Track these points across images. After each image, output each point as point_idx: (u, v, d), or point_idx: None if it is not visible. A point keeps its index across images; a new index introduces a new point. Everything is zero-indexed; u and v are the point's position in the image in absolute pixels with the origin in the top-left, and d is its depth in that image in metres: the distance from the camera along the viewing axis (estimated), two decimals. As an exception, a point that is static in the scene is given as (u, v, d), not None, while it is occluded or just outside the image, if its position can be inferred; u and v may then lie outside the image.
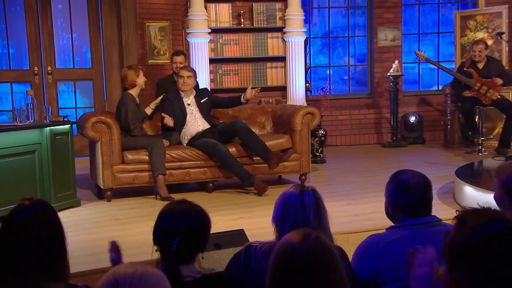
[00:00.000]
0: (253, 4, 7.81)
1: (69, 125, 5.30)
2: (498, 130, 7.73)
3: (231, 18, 7.80)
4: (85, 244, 4.25)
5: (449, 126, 8.37)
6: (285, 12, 7.71)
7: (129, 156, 5.53)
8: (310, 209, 2.41)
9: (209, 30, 7.50)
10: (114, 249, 2.57)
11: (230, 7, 7.79)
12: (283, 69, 7.73)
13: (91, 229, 4.70)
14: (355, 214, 4.94)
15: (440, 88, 8.97)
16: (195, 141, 5.79)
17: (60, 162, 5.16)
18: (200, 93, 6.13)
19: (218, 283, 2.42)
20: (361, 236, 3.14)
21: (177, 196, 5.48)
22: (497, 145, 7.40)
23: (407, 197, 2.53)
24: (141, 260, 3.93)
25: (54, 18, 7.85)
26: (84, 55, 8.16)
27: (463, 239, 1.61)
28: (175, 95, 6.00)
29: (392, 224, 2.68)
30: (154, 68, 8.29)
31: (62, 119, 5.32)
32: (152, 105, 6.05)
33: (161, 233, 2.34)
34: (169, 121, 5.76)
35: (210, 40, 7.54)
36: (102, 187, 5.56)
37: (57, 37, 7.92)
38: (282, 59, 7.74)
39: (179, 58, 6.59)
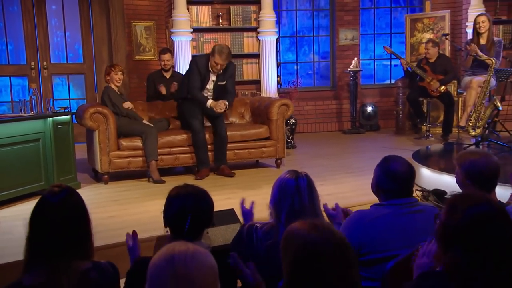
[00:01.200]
0: (231, 7, 7.76)
1: (70, 116, 5.19)
2: (443, 118, 7.85)
3: (211, 19, 7.74)
4: (92, 223, 4.18)
5: (400, 115, 8.47)
6: (259, 14, 7.69)
7: (124, 143, 5.44)
8: (305, 193, 2.41)
9: (191, 30, 7.43)
10: (134, 238, 2.58)
11: (210, 9, 7.72)
12: (258, 64, 7.72)
13: (92, 209, 4.44)
14: (328, 194, 4.80)
15: (393, 81, 9.07)
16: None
17: (62, 149, 5.06)
18: (224, 72, 5.64)
19: (224, 255, 2.38)
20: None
21: (167, 179, 5.49)
22: (441, 131, 7.54)
23: (392, 183, 2.52)
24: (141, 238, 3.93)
25: (49, 17, 7.63)
26: (76, 51, 7.97)
27: (455, 222, 1.62)
28: (206, 67, 5.58)
29: (375, 197, 2.71)
30: (140, 63, 8.19)
31: (63, 110, 5.20)
32: None
33: (172, 215, 2.31)
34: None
35: (192, 38, 7.47)
36: (99, 171, 5.46)
37: (52, 35, 7.71)
38: (257, 56, 7.73)
39: (166, 56, 6.51)
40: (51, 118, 4.93)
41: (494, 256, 1.56)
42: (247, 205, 2.89)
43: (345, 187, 5.12)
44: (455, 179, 2.80)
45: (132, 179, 5.60)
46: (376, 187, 2.61)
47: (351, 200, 4.45)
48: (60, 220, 1.99)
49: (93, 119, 5.32)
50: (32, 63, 7.57)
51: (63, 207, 2.02)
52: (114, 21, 7.86)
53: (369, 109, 8.89)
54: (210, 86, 5.66)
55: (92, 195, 5.11)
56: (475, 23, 6.76)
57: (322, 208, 2.64)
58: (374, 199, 3.92)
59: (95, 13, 7.85)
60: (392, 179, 2.52)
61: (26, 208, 4.70)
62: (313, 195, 2.44)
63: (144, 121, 5.71)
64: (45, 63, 7.64)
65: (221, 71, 5.59)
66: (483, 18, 6.72)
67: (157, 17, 8.26)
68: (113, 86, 5.66)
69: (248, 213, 2.82)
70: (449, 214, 1.65)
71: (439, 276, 1.67)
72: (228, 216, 3.64)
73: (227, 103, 5.58)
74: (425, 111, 7.71)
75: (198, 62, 5.61)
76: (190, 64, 5.73)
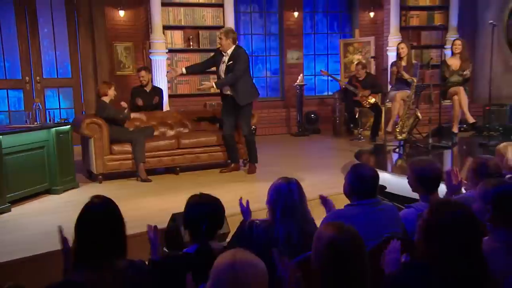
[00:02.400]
0: (200, 31, 7.75)
1: (70, 126, 5.03)
2: (370, 123, 8.06)
3: (183, 41, 7.70)
4: None
5: (337, 121, 8.66)
6: (223, 38, 7.68)
7: (116, 148, 5.33)
8: (296, 195, 2.44)
9: (167, 50, 7.36)
10: (154, 231, 2.51)
11: (182, 33, 7.69)
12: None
13: None
14: None
15: (331, 93, 9.26)
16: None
17: (63, 155, 4.92)
18: (234, 53, 5.26)
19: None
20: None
21: (152, 178, 5.39)
22: (370, 134, 7.77)
23: (361, 186, 2.55)
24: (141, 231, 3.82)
25: (41, 39, 7.33)
26: (65, 67, 7.69)
27: (437, 222, 1.68)
28: (219, 52, 5.37)
29: (330, 191, 2.81)
30: (121, 78, 8.00)
31: (64, 121, 5.05)
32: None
33: (192, 219, 2.28)
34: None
35: (168, 57, 7.40)
36: (95, 172, 5.33)
37: (44, 53, 7.41)
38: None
39: (142, 73, 6.38)
40: (54, 128, 4.79)
41: (466, 251, 1.63)
42: (244, 203, 2.85)
43: (305, 183, 5.06)
44: (407, 180, 2.86)
45: (123, 179, 5.46)
46: (349, 190, 2.62)
47: (310, 196, 4.45)
48: (100, 226, 1.96)
49: (89, 128, 5.18)
50: (27, 78, 7.26)
51: (102, 214, 2.00)
52: (98, 42, 7.65)
53: (312, 115, 8.96)
54: (222, 67, 5.34)
55: (91, 194, 4.68)
56: (397, 49, 7.03)
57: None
58: (329, 193, 3.94)
59: (81, 35, 7.60)
60: (361, 182, 2.54)
61: (34, 206, 4.56)
62: (302, 197, 2.47)
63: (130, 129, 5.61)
64: (38, 77, 7.35)
65: (229, 53, 5.27)
66: (402, 45, 6.99)
67: (135, 39, 8.11)
68: (106, 99, 5.50)
69: (246, 211, 2.78)
70: (433, 215, 1.70)
71: (421, 267, 1.70)
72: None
73: (212, 83, 5.42)
74: (357, 117, 7.95)
75: (215, 53, 5.55)
76: None
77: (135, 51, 8.13)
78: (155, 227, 2.57)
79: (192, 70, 5.82)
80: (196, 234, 2.25)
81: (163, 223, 3.74)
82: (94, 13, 7.53)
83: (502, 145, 3.16)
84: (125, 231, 2.07)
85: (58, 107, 7.61)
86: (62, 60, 7.66)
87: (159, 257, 2.35)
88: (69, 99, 7.77)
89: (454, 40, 7.05)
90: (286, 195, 2.41)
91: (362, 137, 7.76)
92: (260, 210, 3.66)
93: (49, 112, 5.11)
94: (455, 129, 6.73)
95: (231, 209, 3.25)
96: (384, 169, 5.03)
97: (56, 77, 7.62)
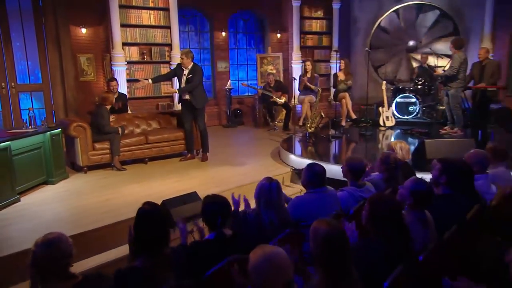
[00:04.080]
0: (152, 47, 7.64)
1: (60, 129, 4.88)
2: (282, 117, 8.50)
3: (138, 55, 7.55)
4: (96, 205, 4.00)
5: (257, 115, 9.05)
6: (170, 52, 7.69)
7: (97, 145, 5.29)
8: (275, 192, 2.53)
9: (126, 62, 7.21)
10: (183, 222, 2.55)
11: (138, 49, 7.54)
12: (171, 85, 7.67)
13: (92, 194, 4.37)
14: (243, 174, 4.90)
15: (251, 94, 9.52)
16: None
17: (56, 153, 4.81)
18: (192, 70, 5.44)
19: (239, 236, 2.36)
20: (252, 186, 2.95)
21: (127, 167, 5.37)
22: (282, 126, 8.28)
23: (315, 178, 2.73)
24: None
25: (14, 51, 6.70)
26: (36, 75, 7.15)
27: (376, 212, 1.88)
28: (179, 67, 5.48)
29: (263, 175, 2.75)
30: (84, 83, 7.67)
31: (55, 126, 4.88)
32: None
33: (209, 214, 2.32)
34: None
35: (127, 68, 7.24)
36: (81, 165, 5.22)
37: (17, 64, 6.79)
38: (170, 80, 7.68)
39: (114, 83, 6.30)
40: (48, 132, 4.65)
41: (397, 229, 1.85)
42: (236, 197, 2.85)
43: (249, 169, 5.16)
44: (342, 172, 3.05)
45: (102, 169, 5.36)
46: (306, 182, 2.77)
47: (255, 178, 4.43)
48: (151, 224, 2.06)
49: (76, 130, 5.08)
50: (3, 84, 6.65)
51: (153, 216, 2.10)
52: (64, 53, 7.19)
53: (238, 111, 9.23)
54: (183, 79, 5.47)
55: (82, 183, 4.85)
56: (304, 65, 7.58)
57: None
58: (273, 174, 4.07)
59: (49, 48, 7.10)
60: (315, 176, 2.73)
61: (38, 196, 4.46)
62: (280, 193, 2.55)
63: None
64: (12, 83, 6.76)
65: (189, 68, 5.42)
66: (308, 62, 7.58)
67: (95, 51, 7.76)
68: (108, 107, 5.37)
69: (237, 202, 2.78)
70: (373, 207, 1.89)
71: (370, 242, 1.90)
72: (193, 196, 3.67)
73: (174, 88, 5.73)
74: (273, 112, 8.44)
75: (176, 67, 5.64)
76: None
77: (95, 61, 7.80)
78: (184, 218, 2.64)
79: (157, 80, 5.89)
80: (213, 225, 2.31)
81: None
82: (60, 30, 7.07)
83: (392, 142, 3.42)
84: (168, 226, 2.16)
85: (32, 108, 7.08)
86: (33, 69, 7.12)
87: (188, 242, 2.44)
88: (40, 101, 7.27)
89: (340, 59, 7.77)
90: (267, 192, 2.51)
91: (276, 128, 8.21)
92: (223, 192, 3.81)
93: (40, 117, 4.88)
94: (343, 123, 7.51)
95: (201, 192, 3.34)
96: (296, 153, 5.37)
97: (28, 83, 7.06)
